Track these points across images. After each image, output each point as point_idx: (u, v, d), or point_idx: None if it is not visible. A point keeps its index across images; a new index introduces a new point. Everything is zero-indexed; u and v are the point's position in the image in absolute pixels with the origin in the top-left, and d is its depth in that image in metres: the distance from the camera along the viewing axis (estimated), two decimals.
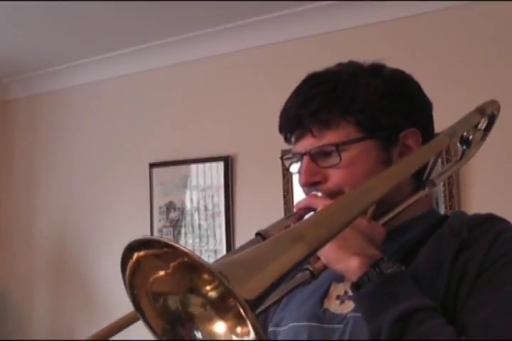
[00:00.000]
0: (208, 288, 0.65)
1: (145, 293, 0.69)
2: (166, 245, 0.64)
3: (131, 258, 0.67)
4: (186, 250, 0.62)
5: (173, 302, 0.69)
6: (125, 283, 0.70)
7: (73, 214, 3.71)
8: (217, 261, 0.90)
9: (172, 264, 0.66)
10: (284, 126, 1.04)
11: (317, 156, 0.99)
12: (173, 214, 3.32)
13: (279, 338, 1.06)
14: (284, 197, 2.92)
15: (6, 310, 3.88)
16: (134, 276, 0.69)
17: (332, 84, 1.00)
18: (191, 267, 0.64)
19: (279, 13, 2.93)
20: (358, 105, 0.98)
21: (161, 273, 0.68)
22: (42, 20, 3.04)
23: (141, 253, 0.66)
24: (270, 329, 1.08)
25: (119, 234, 3.45)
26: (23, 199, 3.96)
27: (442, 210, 2.50)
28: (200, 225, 3.23)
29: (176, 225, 3.31)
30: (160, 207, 3.36)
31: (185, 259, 0.64)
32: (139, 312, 0.70)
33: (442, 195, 2.51)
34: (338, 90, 0.99)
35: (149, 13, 2.94)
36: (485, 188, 2.48)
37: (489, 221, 0.96)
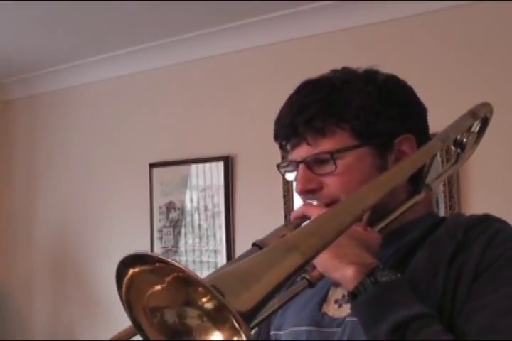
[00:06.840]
0: (204, 299, 0.65)
1: (142, 308, 0.69)
2: (159, 260, 0.64)
3: (127, 273, 0.67)
4: (179, 265, 0.62)
5: (170, 316, 0.69)
6: (122, 300, 0.70)
7: (73, 214, 3.71)
8: (214, 272, 0.90)
9: (167, 279, 0.66)
10: (279, 134, 1.04)
11: (313, 164, 0.99)
12: (173, 214, 3.32)
13: None
14: (284, 197, 2.92)
15: (6, 310, 3.89)
16: (129, 292, 0.69)
17: (326, 92, 1.00)
18: (186, 280, 0.64)
19: (279, 13, 2.93)
20: (352, 112, 0.98)
21: (157, 287, 0.67)
22: (42, 20, 3.04)
23: (136, 268, 0.66)
24: (272, 332, 1.09)
25: (119, 234, 3.46)
26: (23, 199, 3.96)
27: (442, 210, 2.50)
28: (200, 225, 3.23)
29: (176, 225, 3.31)
30: (160, 207, 3.36)
31: (180, 274, 0.64)
32: (137, 327, 0.70)
33: (442, 195, 2.51)
34: (332, 98, 0.99)
35: (149, 13, 2.94)
36: (485, 188, 2.48)
37: (485, 221, 0.96)
